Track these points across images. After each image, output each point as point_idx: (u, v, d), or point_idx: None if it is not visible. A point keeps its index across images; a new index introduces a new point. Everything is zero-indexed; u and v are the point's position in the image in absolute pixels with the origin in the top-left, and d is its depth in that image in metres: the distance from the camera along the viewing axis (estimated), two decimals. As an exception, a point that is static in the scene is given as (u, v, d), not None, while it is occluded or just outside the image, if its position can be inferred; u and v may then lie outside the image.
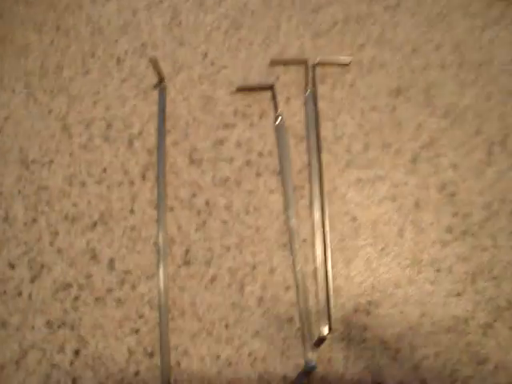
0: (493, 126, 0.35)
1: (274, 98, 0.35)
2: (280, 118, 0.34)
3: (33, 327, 0.31)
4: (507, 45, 0.37)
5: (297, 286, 0.31)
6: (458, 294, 0.31)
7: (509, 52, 0.37)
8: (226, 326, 0.30)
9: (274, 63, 0.35)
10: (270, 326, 0.30)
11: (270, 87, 0.35)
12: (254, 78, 0.36)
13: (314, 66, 0.36)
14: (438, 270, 0.32)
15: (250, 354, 0.30)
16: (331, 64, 0.36)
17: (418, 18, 0.38)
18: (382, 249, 0.32)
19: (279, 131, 0.34)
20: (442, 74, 0.36)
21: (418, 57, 0.37)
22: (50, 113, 0.36)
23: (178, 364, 0.30)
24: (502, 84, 0.36)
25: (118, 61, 0.37)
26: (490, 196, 0.33)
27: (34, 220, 0.34)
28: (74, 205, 0.34)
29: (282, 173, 0.33)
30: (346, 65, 0.36)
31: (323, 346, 0.30)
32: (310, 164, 0.33)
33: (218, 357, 0.30)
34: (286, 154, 0.33)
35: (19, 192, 0.35)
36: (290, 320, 0.30)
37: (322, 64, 0.36)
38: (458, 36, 0.37)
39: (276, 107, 0.35)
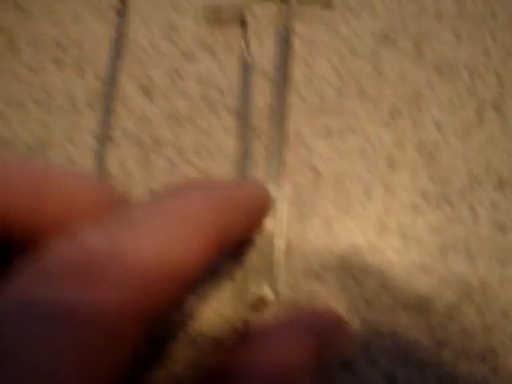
0: (487, 86, 0.31)
1: (244, 31, 0.31)
2: (248, 52, 0.30)
3: None
4: (515, -1, 0.33)
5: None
6: (425, 268, 0.28)
7: (515, 9, 0.33)
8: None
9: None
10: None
11: (242, 21, 0.32)
12: (226, 9, 0.32)
13: (291, 3, 0.32)
14: (406, 238, 0.28)
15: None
16: (313, 2, 0.32)
17: (418, -40, 0.34)
18: (345, 208, 0.28)
19: (245, 68, 0.30)
20: (438, 24, 0.32)
21: (412, 1, 0.33)
22: (-3, 27, 0.33)
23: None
24: (503, 41, 0.32)
25: (78, -23, 0.34)
26: (474, 162, 0.30)
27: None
28: (9, 130, 0.31)
29: (241, 113, 0.29)
30: (329, 5, 0.32)
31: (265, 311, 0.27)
32: (273, 106, 0.29)
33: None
34: (248, 93, 0.30)
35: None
36: (229, 274, 0.27)
37: (301, 2, 0.32)
38: (459, -17, 0.33)
39: (246, 41, 0.31)
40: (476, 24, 0.32)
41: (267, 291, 0.27)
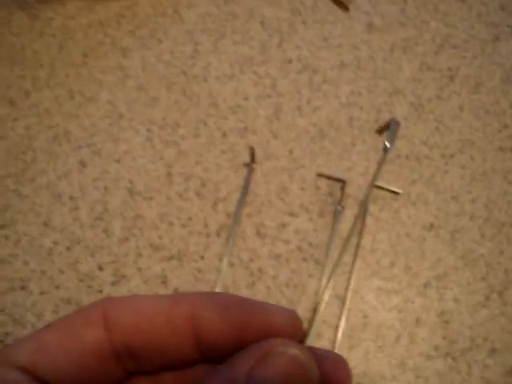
0: (497, 277, 0.45)
1: (341, 197, 0.46)
2: (337, 218, 0.45)
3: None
4: (529, 215, 0.47)
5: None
6: (427, 400, 0.42)
7: (528, 221, 0.47)
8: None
9: (319, 175, 0.47)
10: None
11: (343, 182, 0.46)
12: (323, 183, 0.47)
13: (371, 188, 0.47)
14: (418, 377, 0.42)
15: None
16: (385, 189, 0.47)
17: (466, 171, 0.48)
18: (380, 346, 0.43)
19: (332, 232, 0.45)
20: (470, 223, 0.47)
21: (455, 203, 0.47)
22: (161, 159, 0.48)
23: None
24: (515, 246, 0.46)
25: (224, 135, 0.49)
26: (476, 332, 0.44)
27: (127, 239, 0.46)
28: (160, 237, 0.46)
29: (323, 264, 0.44)
30: (397, 193, 0.47)
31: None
32: (345, 264, 0.44)
33: None
34: (331, 251, 0.45)
35: (121, 214, 0.47)
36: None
37: (378, 187, 0.47)
38: (492, 195, 0.48)
39: (336, 214, 0.46)
40: (498, 229, 0.47)
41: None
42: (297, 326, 0.20)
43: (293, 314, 0.20)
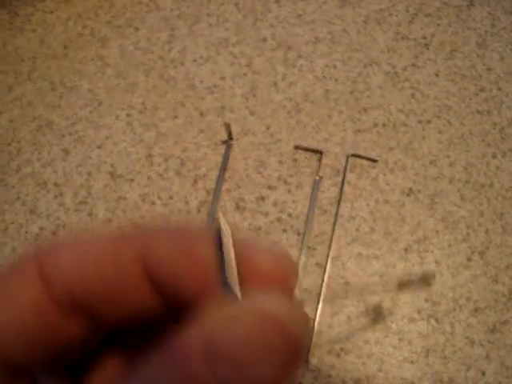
0: (478, 238, 0.46)
1: (315, 178, 0.47)
2: (315, 189, 0.46)
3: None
4: (508, 174, 0.48)
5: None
6: (412, 362, 0.42)
7: (507, 181, 0.47)
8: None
9: (296, 148, 0.48)
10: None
11: (320, 152, 0.47)
12: (301, 155, 0.48)
13: (348, 157, 0.48)
14: (401, 340, 0.43)
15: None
16: (362, 158, 0.48)
17: (443, 136, 0.49)
18: (362, 312, 0.43)
19: (311, 202, 0.46)
20: (449, 186, 0.47)
21: (434, 168, 0.48)
22: (141, 142, 0.50)
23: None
24: (495, 206, 0.47)
25: (201, 114, 0.50)
26: (459, 293, 0.44)
27: (110, 220, 0.47)
28: (142, 217, 0.47)
29: (303, 234, 0.45)
30: (375, 161, 0.48)
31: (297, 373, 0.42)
32: (325, 233, 0.45)
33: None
34: (310, 220, 0.46)
35: (104, 197, 0.48)
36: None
37: (355, 156, 0.48)
38: (470, 158, 0.48)
39: (316, 184, 0.47)
40: (477, 190, 0.47)
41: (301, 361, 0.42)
42: (287, 273, 0.17)
43: (281, 259, 0.17)
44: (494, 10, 0.55)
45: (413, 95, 0.51)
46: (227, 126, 0.47)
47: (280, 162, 0.48)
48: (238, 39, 0.54)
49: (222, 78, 0.52)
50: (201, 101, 0.51)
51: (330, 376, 0.42)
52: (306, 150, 0.48)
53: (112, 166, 0.49)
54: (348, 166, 0.48)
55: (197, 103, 0.51)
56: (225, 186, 0.48)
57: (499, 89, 0.51)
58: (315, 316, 0.43)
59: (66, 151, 0.50)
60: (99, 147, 0.50)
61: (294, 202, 0.47)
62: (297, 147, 0.48)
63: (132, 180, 0.48)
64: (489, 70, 0.52)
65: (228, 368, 0.12)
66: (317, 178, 0.47)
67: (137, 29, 0.55)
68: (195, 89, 0.52)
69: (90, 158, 0.50)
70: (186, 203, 0.48)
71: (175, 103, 0.51)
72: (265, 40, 0.54)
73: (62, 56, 0.54)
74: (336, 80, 0.51)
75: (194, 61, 0.53)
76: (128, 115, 0.51)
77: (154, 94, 0.52)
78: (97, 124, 0.51)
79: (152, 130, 0.50)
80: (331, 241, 0.45)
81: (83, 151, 0.50)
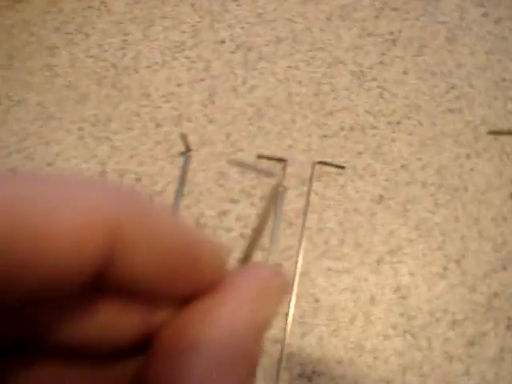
0: (454, 246, 0.44)
1: (275, 188, 0.44)
2: (279, 201, 0.44)
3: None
4: (483, 176, 0.45)
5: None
6: (388, 382, 0.40)
7: (483, 183, 0.45)
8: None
9: (259, 157, 0.45)
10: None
11: (284, 161, 0.45)
12: (264, 165, 0.46)
13: (314, 164, 0.45)
14: (376, 358, 0.40)
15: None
16: (329, 165, 0.45)
17: (413, 138, 0.47)
18: (334, 330, 0.41)
19: (276, 216, 0.44)
20: (422, 191, 0.45)
21: (405, 172, 0.46)
22: (94, 157, 0.47)
23: None
24: (471, 210, 0.44)
25: (157, 125, 0.48)
26: (435, 305, 0.42)
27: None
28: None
29: (268, 250, 0.43)
30: (342, 168, 0.45)
31: (269, 399, 0.40)
32: (291, 247, 0.43)
33: None
34: (275, 235, 0.43)
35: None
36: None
37: (321, 163, 0.45)
38: (443, 160, 0.46)
39: (275, 194, 0.44)
40: (451, 195, 0.45)
41: (271, 386, 0.40)
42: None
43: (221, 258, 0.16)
44: (462, 2, 0.52)
45: (381, 95, 0.48)
46: (184, 137, 0.44)
47: (242, 173, 0.46)
48: (194, 42, 0.51)
49: (179, 85, 0.49)
50: (156, 110, 0.48)
51: (301, 401, 0.40)
52: (270, 158, 0.46)
53: (63, 184, 0.46)
54: (314, 175, 0.45)
55: (152, 113, 0.48)
56: (184, 202, 0.45)
57: (471, 85, 0.49)
58: (284, 337, 0.41)
59: (14, 171, 0.47)
60: (50, 165, 0.47)
61: (258, 215, 0.44)
62: (259, 156, 0.46)
63: (85, 199, 0.45)
64: (459, 65, 0.50)
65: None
66: (281, 188, 0.44)
67: (87, 35, 0.52)
68: (150, 97, 0.49)
69: (40, 176, 0.47)
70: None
71: (129, 114, 0.48)
72: (223, 42, 0.51)
73: (7, 66, 0.51)
74: (299, 82, 0.49)
75: (149, 67, 0.50)
76: (80, 129, 0.48)
77: (106, 105, 0.49)
78: (47, 139, 0.48)
79: (105, 144, 0.47)
80: (298, 256, 0.43)
81: (33, 169, 0.47)
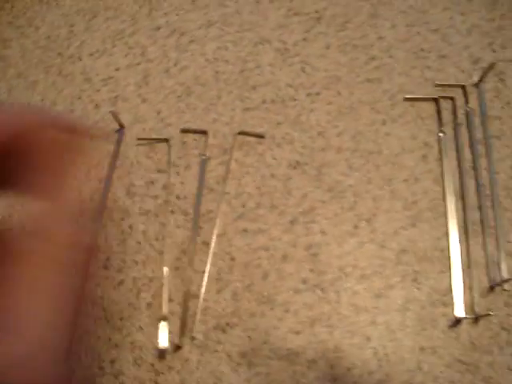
0: (365, 206, 0.47)
1: (203, 159, 0.48)
2: (201, 169, 0.48)
3: None
4: (397, 140, 0.48)
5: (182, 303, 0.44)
6: (297, 332, 0.43)
7: (396, 146, 0.48)
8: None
9: (183, 131, 0.49)
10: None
11: (205, 132, 0.49)
12: (189, 138, 0.50)
13: (235, 135, 0.49)
14: (287, 311, 0.44)
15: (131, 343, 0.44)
16: (250, 135, 0.49)
17: (331, 107, 0.50)
18: (248, 285, 0.45)
19: (200, 182, 0.48)
20: (337, 156, 0.48)
21: (321, 139, 0.49)
22: (39, 138, 0.52)
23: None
24: (384, 172, 0.47)
25: (96, 106, 0.52)
26: (345, 261, 0.45)
27: (11, 216, 0.49)
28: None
29: (191, 214, 0.47)
30: (262, 137, 0.49)
31: (184, 349, 0.43)
32: (211, 211, 0.46)
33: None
34: (198, 201, 0.47)
35: None
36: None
37: (242, 133, 0.49)
38: (359, 127, 0.49)
39: (202, 168, 0.48)
40: (365, 158, 0.48)
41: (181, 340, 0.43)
42: None
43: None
44: (381, -22, 0.55)
45: (303, 69, 0.52)
46: (115, 115, 0.49)
47: (169, 147, 0.50)
48: (133, 30, 0.56)
49: (117, 69, 0.54)
50: (96, 93, 0.53)
51: (216, 351, 0.43)
52: (194, 132, 0.50)
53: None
54: (235, 144, 0.49)
55: (92, 96, 0.53)
56: (116, 173, 0.49)
57: (390, 56, 0.52)
58: (200, 292, 0.45)
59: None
60: None
61: (182, 183, 0.48)
62: (184, 130, 0.50)
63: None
64: (380, 38, 0.53)
65: None
66: (203, 157, 0.48)
67: (37, 27, 0.57)
68: (91, 82, 0.54)
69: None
70: (80, 193, 0.49)
71: (72, 97, 0.53)
72: (159, 28, 0.55)
73: (-34, 61, 0.57)
74: (227, 61, 0.53)
75: (91, 55, 0.55)
76: (28, 113, 0.53)
77: (52, 91, 0.54)
78: (-1, 124, 0.53)
79: (49, 125, 0.52)
80: (217, 218, 0.46)
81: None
